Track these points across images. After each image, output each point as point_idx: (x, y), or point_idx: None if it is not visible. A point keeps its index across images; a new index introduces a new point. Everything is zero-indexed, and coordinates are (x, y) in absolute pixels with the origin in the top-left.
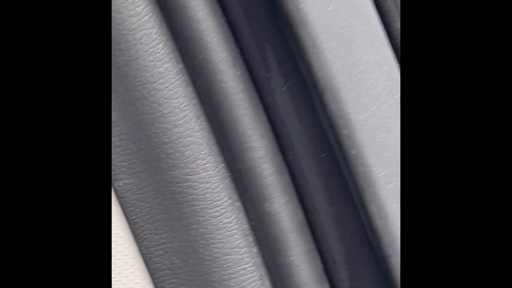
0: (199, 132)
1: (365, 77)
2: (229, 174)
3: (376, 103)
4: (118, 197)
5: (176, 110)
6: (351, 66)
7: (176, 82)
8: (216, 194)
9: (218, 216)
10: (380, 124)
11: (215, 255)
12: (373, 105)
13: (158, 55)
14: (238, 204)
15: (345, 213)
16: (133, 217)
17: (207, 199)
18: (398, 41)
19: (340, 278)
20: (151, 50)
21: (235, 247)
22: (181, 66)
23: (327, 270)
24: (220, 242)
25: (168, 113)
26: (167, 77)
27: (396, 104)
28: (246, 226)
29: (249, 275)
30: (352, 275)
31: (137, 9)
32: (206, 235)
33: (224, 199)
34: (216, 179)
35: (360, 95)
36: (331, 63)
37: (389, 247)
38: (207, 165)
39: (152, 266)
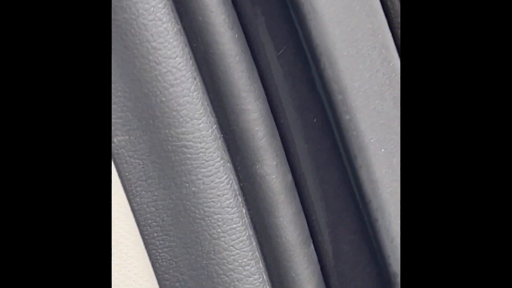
0: (195, 92)
1: (361, 44)
2: (222, 135)
3: (371, 71)
4: (112, 154)
5: (174, 69)
6: (349, 33)
7: (175, 42)
8: (209, 154)
9: (210, 176)
10: (374, 91)
11: (206, 213)
12: (368, 72)
13: (158, 14)
14: (229, 164)
15: (332, 178)
16: (126, 174)
17: (200, 159)
18: (392, 10)
19: (325, 240)
20: (151, 9)
21: (226, 207)
22: (179, 26)
23: (313, 232)
24: (211, 201)
25: (166, 72)
26: (166, 37)
27: (390, 72)
28: (236, 186)
29: (238, 234)
30: (336, 238)
31: None
32: (198, 194)
33: (217, 159)
34: (210, 139)
35: (356, 62)
36: (329, 29)
37: (377, 211)
38: (201, 125)
39: (143, 223)
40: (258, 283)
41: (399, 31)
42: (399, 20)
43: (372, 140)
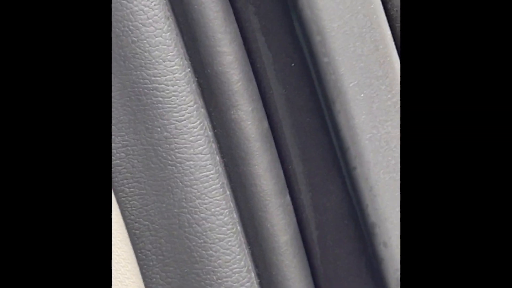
0: (168, 33)
1: None
2: (196, 78)
3: (351, 11)
4: None
5: (146, 8)
6: None
7: None
8: (182, 98)
9: (183, 121)
10: (354, 33)
11: (178, 160)
12: (348, 13)
13: None
14: (203, 109)
15: (310, 124)
16: None
17: (173, 102)
18: None
19: (301, 190)
20: None
21: (199, 153)
22: None
23: (289, 182)
24: (184, 147)
25: (138, 10)
26: None
27: (371, 13)
28: (210, 132)
29: (211, 182)
30: (313, 188)
31: None
32: (170, 139)
33: (190, 103)
34: (183, 82)
35: (336, 2)
36: None
37: (355, 159)
38: (174, 67)
39: (112, 169)
40: (231, 233)
41: None
42: None
43: (351, 84)
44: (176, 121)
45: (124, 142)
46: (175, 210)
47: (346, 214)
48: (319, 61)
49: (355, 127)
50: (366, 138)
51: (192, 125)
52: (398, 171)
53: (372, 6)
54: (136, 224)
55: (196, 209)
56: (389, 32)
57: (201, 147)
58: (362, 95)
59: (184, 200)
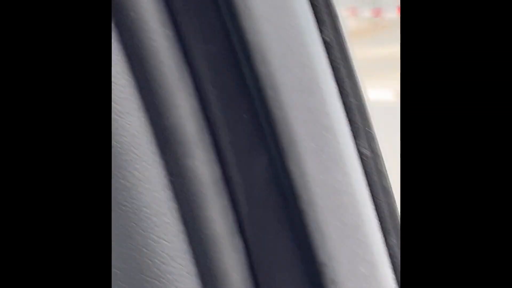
0: (127, 88)
1: (293, 41)
2: (154, 130)
3: (300, 65)
4: None
5: None
6: (282, 31)
7: None
8: (141, 149)
9: (142, 170)
10: (305, 87)
11: (135, 207)
12: (297, 67)
13: None
14: (160, 159)
15: (261, 173)
16: None
17: (132, 153)
18: (319, 10)
19: (250, 233)
20: None
21: (156, 200)
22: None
23: (239, 225)
24: (142, 195)
25: None
26: None
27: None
28: (167, 180)
29: (168, 227)
30: (263, 230)
31: None
32: (129, 188)
33: (148, 154)
34: (142, 135)
35: (287, 59)
36: (263, 27)
37: (304, 204)
38: (134, 120)
39: None
40: (187, 275)
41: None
42: (324, 18)
43: (302, 135)
44: (136, 170)
45: None
46: (135, 255)
47: (296, 254)
48: (272, 113)
49: (306, 175)
50: (317, 185)
51: (150, 174)
52: (346, 214)
53: (319, 61)
54: None
55: (154, 253)
56: (335, 89)
57: (158, 195)
58: (312, 144)
59: (143, 245)
